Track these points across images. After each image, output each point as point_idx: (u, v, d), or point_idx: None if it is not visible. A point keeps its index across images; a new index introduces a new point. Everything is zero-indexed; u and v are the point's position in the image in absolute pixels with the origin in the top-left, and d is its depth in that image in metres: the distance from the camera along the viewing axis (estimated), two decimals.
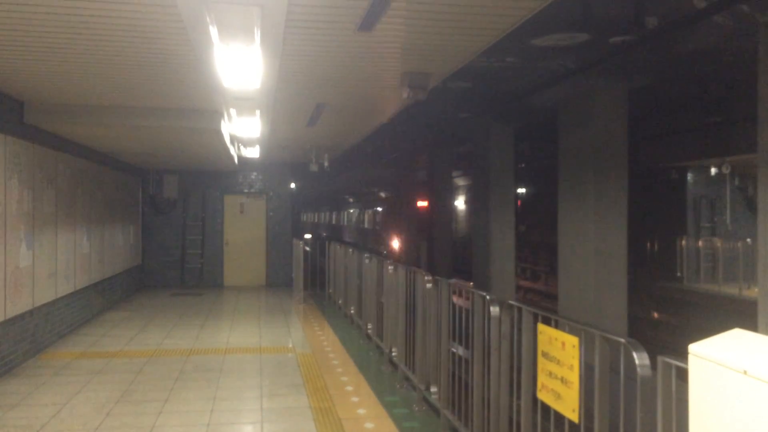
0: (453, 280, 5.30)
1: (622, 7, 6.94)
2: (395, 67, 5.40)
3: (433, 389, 5.32)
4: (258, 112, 7.31)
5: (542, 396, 3.27)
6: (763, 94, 6.60)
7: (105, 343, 8.21)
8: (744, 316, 9.94)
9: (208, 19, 3.82)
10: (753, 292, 9.83)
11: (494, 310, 3.97)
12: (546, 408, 3.31)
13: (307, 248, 13.56)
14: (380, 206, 28.35)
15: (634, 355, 2.51)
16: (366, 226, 32.40)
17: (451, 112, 12.59)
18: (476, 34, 4.48)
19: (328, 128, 9.18)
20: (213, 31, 4.03)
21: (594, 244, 10.20)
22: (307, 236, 19.87)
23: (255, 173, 14.89)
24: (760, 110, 6.63)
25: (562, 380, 3.04)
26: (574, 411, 2.93)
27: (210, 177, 14.61)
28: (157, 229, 14.36)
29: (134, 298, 12.61)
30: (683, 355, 2.05)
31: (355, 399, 5.77)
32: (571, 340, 2.98)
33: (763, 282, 6.74)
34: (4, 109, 6.55)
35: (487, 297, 4.11)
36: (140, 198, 14.00)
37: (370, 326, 8.11)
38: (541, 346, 3.29)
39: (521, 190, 20.34)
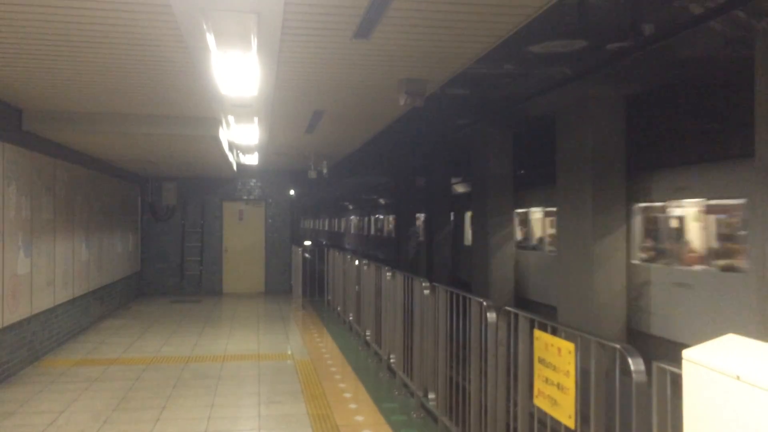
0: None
1: (619, 14, 6.97)
2: (392, 74, 5.42)
3: (431, 396, 5.31)
4: (256, 119, 7.33)
5: (539, 402, 3.27)
6: (761, 99, 6.62)
7: (103, 350, 8.20)
8: None
9: (204, 26, 3.83)
10: None
11: (491, 316, 3.97)
12: (543, 414, 3.30)
13: (307, 255, 13.55)
14: None
15: (629, 360, 2.51)
16: None
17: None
18: (472, 40, 4.50)
19: (327, 135, 9.20)
20: (210, 38, 4.04)
21: (592, 249, 10.19)
22: (307, 243, 19.17)
23: (254, 180, 14.90)
24: (758, 114, 6.65)
25: (558, 386, 3.03)
26: (570, 417, 2.93)
27: (209, 184, 14.62)
28: (156, 237, 14.36)
29: (133, 305, 12.59)
30: (678, 361, 2.05)
31: (353, 406, 5.76)
32: (567, 346, 2.97)
33: (761, 287, 6.74)
34: (3, 117, 6.57)
35: (484, 303, 4.11)
36: (139, 205, 14.01)
37: (368, 333, 8.10)
38: (538, 352, 3.28)
39: None
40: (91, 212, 9.86)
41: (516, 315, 3.67)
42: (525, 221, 15.07)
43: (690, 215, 9.37)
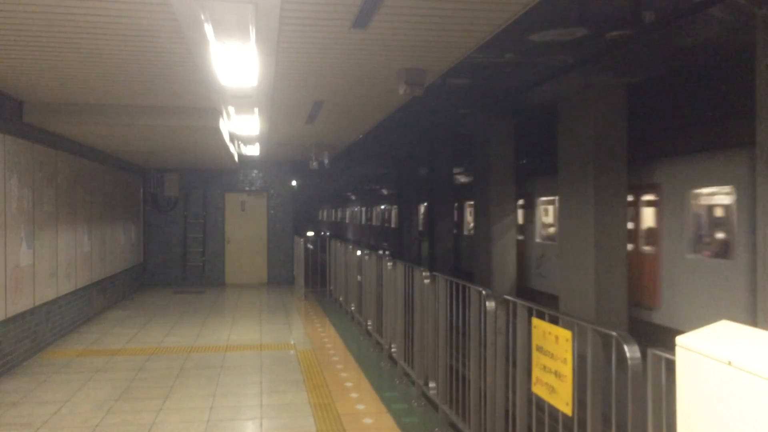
0: None
1: (619, 2, 6.92)
2: (391, 63, 5.40)
3: (432, 384, 5.34)
4: (256, 109, 7.32)
5: (537, 390, 3.29)
6: (761, 88, 6.58)
7: (106, 341, 8.25)
8: None
9: (202, 17, 3.83)
10: None
11: (490, 305, 3.98)
12: (541, 401, 3.32)
13: (309, 245, 13.58)
14: None
15: (625, 347, 2.53)
16: None
17: None
18: (471, 29, 4.48)
19: (328, 125, 9.19)
20: (208, 29, 4.04)
21: (594, 239, 10.19)
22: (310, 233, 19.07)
23: (256, 171, 14.91)
24: (758, 104, 6.62)
25: (556, 374, 3.05)
26: (567, 404, 2.95)
27: (211, 175, 14.63)
28: (159, 228, 14.40)
29: (136, 296, 12.65)
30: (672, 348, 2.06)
31: (354, 395, 5.80)
32: (565, 334, 2.99)
33: (762, 277, 6.74)
34: (3, 109, 6.58)
35: (483, 292, 4.12)
36: (141, 197, 14.04)
37: (370, 323, 8.14)
38: (536, 340, 3.30)
39: None
40: (93, 204, 9.89)
41: (514, 303, 3.69)
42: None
43: None
